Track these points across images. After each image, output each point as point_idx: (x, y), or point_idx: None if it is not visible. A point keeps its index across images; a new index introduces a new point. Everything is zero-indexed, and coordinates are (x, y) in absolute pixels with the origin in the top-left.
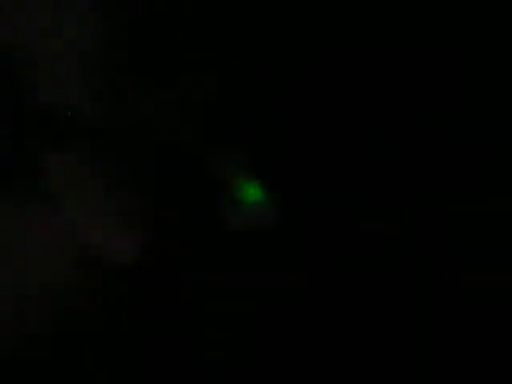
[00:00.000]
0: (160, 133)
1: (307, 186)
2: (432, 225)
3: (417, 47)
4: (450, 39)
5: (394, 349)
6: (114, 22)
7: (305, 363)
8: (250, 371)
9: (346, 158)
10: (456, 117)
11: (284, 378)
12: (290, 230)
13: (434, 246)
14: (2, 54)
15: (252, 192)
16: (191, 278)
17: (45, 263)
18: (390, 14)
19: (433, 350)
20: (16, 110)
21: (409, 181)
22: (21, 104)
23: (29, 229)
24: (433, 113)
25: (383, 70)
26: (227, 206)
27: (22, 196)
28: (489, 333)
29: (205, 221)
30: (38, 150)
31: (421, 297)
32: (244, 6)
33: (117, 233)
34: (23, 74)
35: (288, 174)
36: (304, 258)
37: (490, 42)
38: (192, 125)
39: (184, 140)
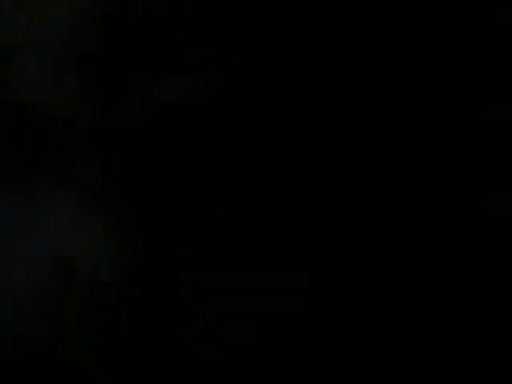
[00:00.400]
0: (158, 133)
1: (307, 186)
2: (432, 224)
3: (417, 47)
4: (451, 39)
5: (393, 349)
6: (113, 21)
7: (305, 363)
8: (250, 371)
9: (346, 158)
10: (457, 117)
11: (284, 378)
12: (290, 229)
13: (434, 246)
14: (1, 54)
15: None
16: (190, 278)
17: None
18: (391, 13)
19: (433, 350)
20: (14, 111)
21: (409, 181)
22: (18, 105)
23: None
24: (433, 113)
25: (383, 70)
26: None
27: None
28: (489, 333)
29: (205, 221)
30: (36, 152)
31: (421, 297)
32: (244, 5)
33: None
34: (20, 74)
35: (288, 173)
36: (304, 258)
37: (490, 42)
38: (190, 124)
39: (182, 140)
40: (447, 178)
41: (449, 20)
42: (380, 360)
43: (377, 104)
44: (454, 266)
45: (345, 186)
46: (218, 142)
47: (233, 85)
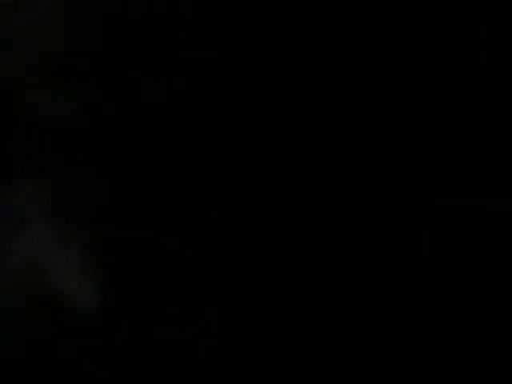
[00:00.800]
0: (158, 133)
1: (307, 186)
2: (432, 224)
3: (418, 47)
4: (452, 39)
5: (395, 352)
6: (113, 21)
7: (305, 366)
8: (249, 372)
9: (346, 158)
10: (457, 118)
11: (284, 378)
12: (290, 230)
13: (434, 245)
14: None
15: None
16: (190, 278)
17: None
18: (391, 14)
19: (433, 353)
20: (14, 111)
21: (409, 181)
22: (18, 105)
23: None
24: (433, 113)
25: (384, 70)
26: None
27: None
28: (489, 333)
29: (205, 221)
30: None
31: (421, 297)
32: (244, 5)
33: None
34: (20, 74)
35: (288, 173)
36: (305, 259)
37: (491, 42)
38: (189, 124)
39: (181, 140)
40: (447, 178)
41: (449, 20)
42: (382, 362)
43: (377, 104)
44: (454, 266)
45: (345, 186)
46: (217, 142)
47: (232, 85)
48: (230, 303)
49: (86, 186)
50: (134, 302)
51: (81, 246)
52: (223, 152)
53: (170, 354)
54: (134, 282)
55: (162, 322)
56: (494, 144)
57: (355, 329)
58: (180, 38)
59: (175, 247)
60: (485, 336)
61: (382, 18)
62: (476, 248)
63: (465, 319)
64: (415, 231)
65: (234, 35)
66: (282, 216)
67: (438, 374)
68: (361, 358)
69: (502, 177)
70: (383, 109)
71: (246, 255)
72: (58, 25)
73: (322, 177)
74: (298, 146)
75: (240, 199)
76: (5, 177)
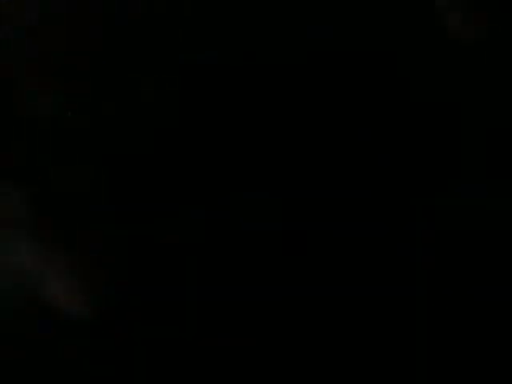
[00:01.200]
0: (157, 134)
1: (307, 186)
2: (432, 224)
3: (418, 47)
4: (452, 39)
5: (393, 351)
6: (113, 21)
7: (304, 364)
8: (249, 372)
9: (345, 158)
10: (456, 118)
11: (283, 378)
12: (290, 230)
13: (434, 245)
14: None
15: None
16: (190, 277)
17: None
18: (391, 14)
19: (433, 352)
20: (13, 112)
21: (409, 181)
22: (18, 105)
23: None
24: (433, 113)
25: (384, 70)
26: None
27: None
28: (489, 334)
29: (204, 221)
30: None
31: (421, 297)
32: (244, 5)
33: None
34: (20, 74)
35: (288, 173)
36: (304, 259)
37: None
38: (188, 125)
39: (178, 141)
40: (446, 178)
41: (449, 20)
42: (382, 362)
43: (377, 104)
44: (454, 266)
45: (344, 186)
46: (217, 142)
47: (232, 85)
48: (229, 303)
49: (86, 186)
50: (133, 302)
51: (80, 246)
52: (223, 152)
53: (170, 354)
54: (133, 282)
55: (162, 322)
56: (493, 144)
57: (355, 329)
58: (180, 37)
59: (175, 247)
60: (484, 336)
61: (382, 18)
62: (476, 248)
63: (465, 319)
64: (415, 231)
65: (233, 35)
66: (282, 216)
67: (438, 373)
68: (360, 357)
69: (502, 177)
70: (383, 109)
71: (245, 255)
72: (57, 25)
73: (322, 177)
74: (298, 146)
75: (240, 199)
76: (5, 177)
